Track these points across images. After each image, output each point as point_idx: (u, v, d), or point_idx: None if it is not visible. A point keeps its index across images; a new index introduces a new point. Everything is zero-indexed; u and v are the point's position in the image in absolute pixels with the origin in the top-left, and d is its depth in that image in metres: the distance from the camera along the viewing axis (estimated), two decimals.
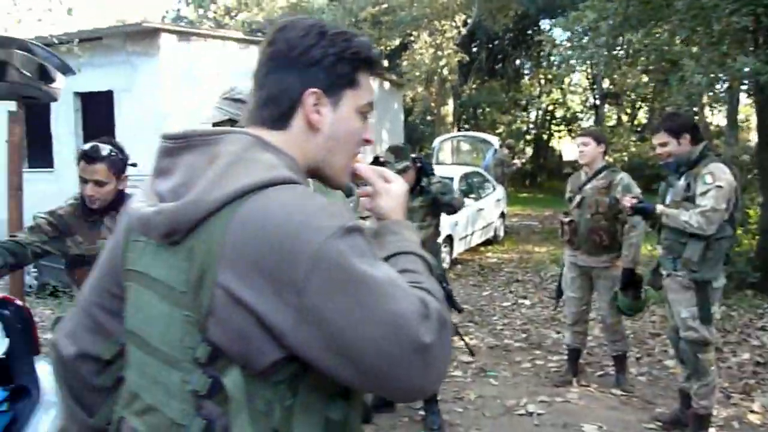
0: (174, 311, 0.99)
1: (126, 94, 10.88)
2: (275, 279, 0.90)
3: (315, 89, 1.05)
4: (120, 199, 2.98)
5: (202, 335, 0.96)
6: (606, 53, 7.36)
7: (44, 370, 2.77)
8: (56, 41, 8.47)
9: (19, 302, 2.89)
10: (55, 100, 2.46)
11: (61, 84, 2.44)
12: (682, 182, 3.58)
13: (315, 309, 0.89)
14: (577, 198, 4.47)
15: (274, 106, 1.07)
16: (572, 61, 8.58)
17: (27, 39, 2.04)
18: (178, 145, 1.05)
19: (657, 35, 6.99)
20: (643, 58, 7.67)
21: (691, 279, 3.52)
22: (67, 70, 2.34)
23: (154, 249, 1.03)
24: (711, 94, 6.63)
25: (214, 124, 1.89)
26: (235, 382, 0.94)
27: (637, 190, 4.28)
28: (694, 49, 6.67)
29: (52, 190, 11.35)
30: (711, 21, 5.72)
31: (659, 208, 3.64)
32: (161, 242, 1.00)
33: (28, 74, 2.06)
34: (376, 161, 4.34)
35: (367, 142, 1.17)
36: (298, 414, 0.98)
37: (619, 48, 8.18)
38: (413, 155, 4.17)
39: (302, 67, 1.05)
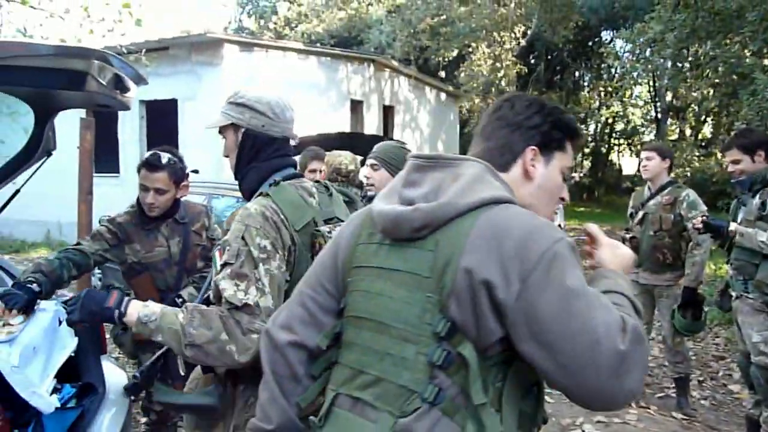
0: (414, 294, 1.20)
1: (189, 102, 11.20)
2: (509, 265, 1.12)
3: (534, 146, 1.32)
4: (176, 207, 3.04)
5: (442, 313, 1.17)
6: (671, 66, 7.15)
7: (109, 369, 2.87)
8: (125, 51, 8.81)
9: None
10: (128, 108, 2.55)
11: (133, 93, 2.53)
12: (756, 201, 3.44)
13: (532, 296, 1.10)
14: (640, 214, 4.35)
15: (500, 155, 1.32)
16: (635, 74, 8.36)
17: (103, 50, 2.12)
18: (427, 164, 1.32)
19: (727, 47, 6.75)
20: (710, 71, 7.44)
21: (763, 302, 3.38)
22: (140, 80, 2.42)
23: (390, 247, 1.27)
24: None
25: (220, 129, 1.89)
26: (471, 354, 1.14)
27: (703, 207, 4.14)
28: (767, 62, 6.41)
29: (117, 194, 11.77)
30: None
31: (733, 226, 3.49)
32: (405, 238, 1.24)
33: (105, 84, 2.13)
34: None
35: (562, 199, 1.40)
36: (504, 397, 1.16)
37: (685, 60, 7.93)
38: None
39: (525, 128, 1.33)
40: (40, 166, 2.90)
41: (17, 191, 2.90)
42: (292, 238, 1.72)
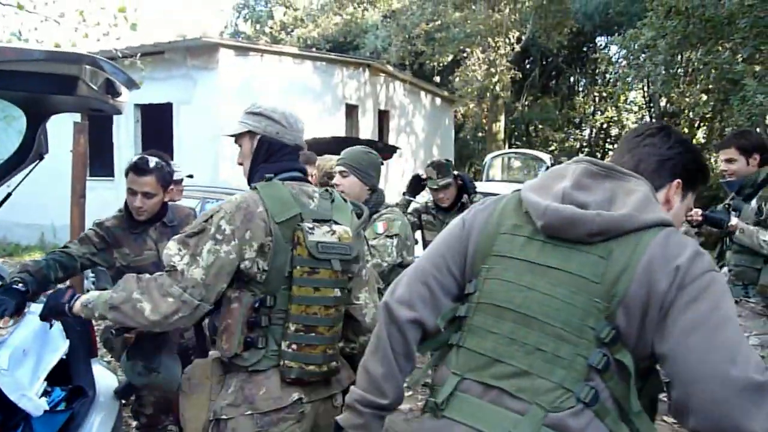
0: (578, 296, 1.25)
1: (185, 106, 11.21)
2: (677, 279, 1.20)
3: (680, 181, 1.42)
4: (164, 210, 3.04)
5: (608, 320, 1.22)
6: (664, 72, 7.20)
7: (100, 372, 2.87)
8: (120, 55, 8.82)
9: None
10: (120, 112, 2.57)
11: (126, 97, 2.54)
12: (753, 205, 3.39)
13: (688, 298, 1.19)
14: None
15: (650, 178, 1.39)
16: (629, 79, 8.41)
17: (95, 54, 2.14)
18: (601, 172, 1.37)
19: (718, 53, 6.81)
20: (702, 77, 7.49)
21: (765, 305, 3.36)
22: (131, 85, 2.44)
23: (545, 244, 1.31)
24: None
25: (237, 137, 2.03)
26: (630, 363, 1.20)
27: (697, 210, 4.15)
28: (757, 69, 6.47)
29: (112, 197, 11.76)
30: None
31: (734, 220, 3.37)
32: (571, 240, 1.28)
33: (96, 89, 2.15)
34: (417, 179, 4.34)
35: None
36: (640, 412, 1.23)
37: (677, 66, 8.00)
38: (455, 172, 4.16)
39: (676, 163, 1.42)
40: (32, 170, 2.91)
41: (9, 194, 2.91)
42: (270, 230, 1.81)
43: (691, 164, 1.45)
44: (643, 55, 7.29)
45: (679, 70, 8.39)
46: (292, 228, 1.83)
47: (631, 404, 1.21)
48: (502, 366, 1.29)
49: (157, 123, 11.52)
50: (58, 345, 2.61)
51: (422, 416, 1.43)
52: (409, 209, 4.37)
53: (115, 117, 11.86)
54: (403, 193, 4.56)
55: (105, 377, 2.84)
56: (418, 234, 4.41)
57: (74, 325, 2.82)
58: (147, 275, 1.82)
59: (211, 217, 1.80)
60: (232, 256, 1.76)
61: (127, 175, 2.93)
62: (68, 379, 2.66)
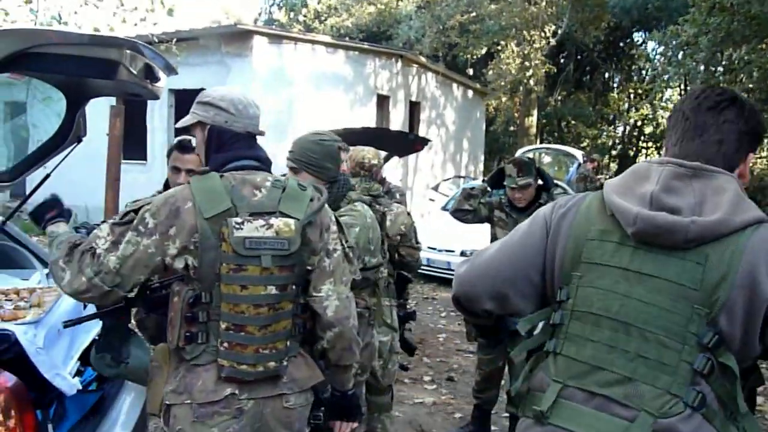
0: (678, 304, 1.26)
1: None
2: None
3: (752, 152, 1.40)
4: None
5: (711, 326, 1.24)
6: (704, 70, 7.03)
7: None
8: (156, 40, 8.91)
9: None
10: (157, 97, 2.59)
11: (164, 83, 2.56)
12: None
13: None
14: None
15: (730, 158, 1.37)
16: (666, 77, 8.23)
17: (135, 39, 2.15)
18: (687, 173, 1.33)
19: (762, 52, 6.62)
20: (744, 77, 7.30)
21: None
22: (170, 71, 2.45)
23: (636, 250, 1.31)
24: None
25: (190, 128, 1.98)
26: (734, 365, 1.22)
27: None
28: None
29: (144, 181, 11.92)
30: None
31: None
32: (666, 246, 1.28)
33: (135, 73, 2.16)
34: (500, 172, 4.13)
35: None
36: (747, 413, 1.25)
37: (718, 65, 7.80)
38: (537, 168, 3.99)
39: (753, 135, 1.39)
40: (70, 152, 2.96)
41: (47, 176, 2.96)
42: (197, 226, 1.75)
43: (762, 132, 1.43)
44: (683, 53, 7.12)
45: (720, 69, 8.20)
46: (221, 223, 1.76)
47: (739, 405, 1.23)
48: (604, 373, 1.31)
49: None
50: (91, 325, 2.64)
51: (522, 422, 1.44)
52: (483, 200, 4.19)
53: (149, 101, 12.02)
54: (483, 180, 4.42)
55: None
56: (485, 227, 4.27)
57: (108, 306, 2.86)
58: (87, 240, 1.83)
59: (140, 208, 1.81)
60: (151, 250, 1.76)
61: (169, 154, 2.95)
62: None
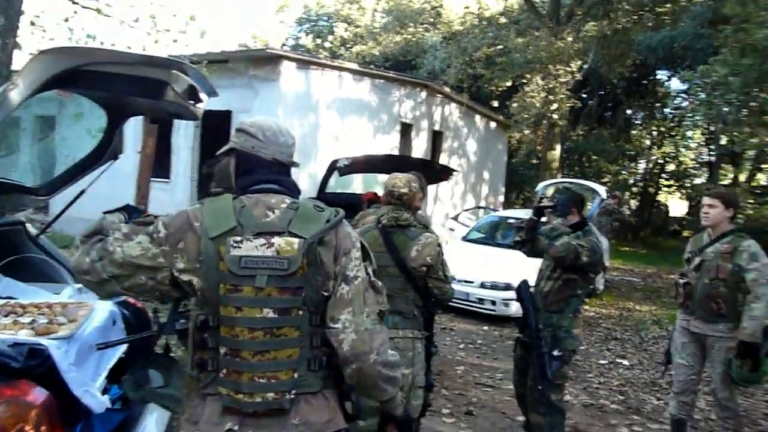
0: None
1: (244, 115, 11.38)
2: None
3: None
4: None
5: None
6: (735, 111, 6.98)
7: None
8: (188, 61, 9.02)
9: (138, 304, 3.05)
10: (197, 119, 2.60)
11: (204, 105, 2.58)
12: None
13: None
14: (697, 260, 4.21)
15: None
16: (697, 117, 8.18)
17: (182, 59, 2.17)
18: None
19: None
20: None
21: None
22: (212, 93, 2.47)
23: None
24: None
25: (221, 154, 1.98)
26: None
27: (765, 260, 3.99)
28: None
29: (167, 198, 12.02)
30: None
31: None
32: None
33: (180, 94, 2.18)
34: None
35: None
36: None
37: (748, 106, 7.73)
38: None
39: None
40: (106, 168, 2.98)
41: (83, 191, 2.98)
42: (200, 246, 1.72)
43: None
44: (714, 93, 7.07)
45: (749, 110, 8.12)
46: (222, 243, 1.71)
47: None
48: None
49: (215, 129, 11.74)
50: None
51: None
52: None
53: (176, 121, 12.17)
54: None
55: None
56: (508, 259, 4.27)
57: (134, 323, 2.86)
58: (122, 226, 1.86)
59: (159, 216, 1.83)
60: (160, 260, 1.74)
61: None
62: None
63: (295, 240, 1.72)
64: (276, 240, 1.71)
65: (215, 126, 11.81)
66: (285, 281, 1.69)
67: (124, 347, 2.70)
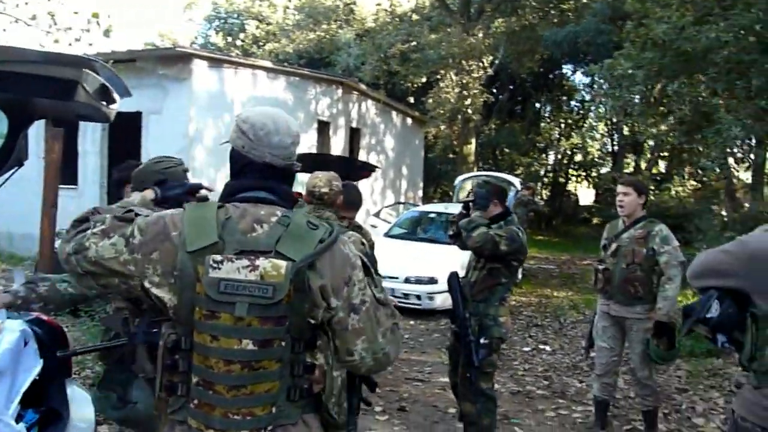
0: None
1: (155, 116, 10.97)
2: None
3: None
4: None
5: None
6: (640, 102, 7.33)
7: (74, 393, 2.72)
8: (99, 60, 8.57)
9: (53, 322, 2.85)
10: (109, 120, 2.46)
11: (117, 105, 2.43)
12: None
13: None
14: (613, 246, 4.39)
15: None
16: (601, 109, 8.53)
17: (93, 57, 2.03)
18: None
19: (693, 87, 6.96)
20: (676, 109, 7.64)
21: None
22: (125, 93, 2.33)
23: None
24: (746, 147, 6.58)
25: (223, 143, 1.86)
26: None
27: (675, 243, 4.21)
28: (730, 103, 6.63)
29: (75, 206, 11.40)
30: (750, 76, 5.69)
31: None
32: None
33: (92, 94, 2.04)
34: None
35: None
36: None
37: (651, 97, 8.15)
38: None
39: None
40: (10, 176, 2.76)
41: None
42: (177, 260, 1.55)
43: None
44: (620, 85, 7.38)
45: (652, 100, 8.57)
46: (200, 260, 1.53)
47: None
48: None
49: (125, 132, 11.23)
50: (33, 364, 2.45)
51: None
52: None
53: (81, 125, 11.54)
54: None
55: (79, 398, 2.69)
56: (430, 254, 4.30)
57: (48, 343, 2.67)
58: (107, 219, 1.67)
59: (137, 217, 1.65)
60: (131, 267, 1.57)
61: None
62: (41, 401, 2.50)
63: (283, 263, 1.52)
64: (261, 263, 1.52)
65: (124, 128, 11.29)
66: (268, 310, 1.51)
67: (37, 369, 2.51)
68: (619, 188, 4.42)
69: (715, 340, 2.23)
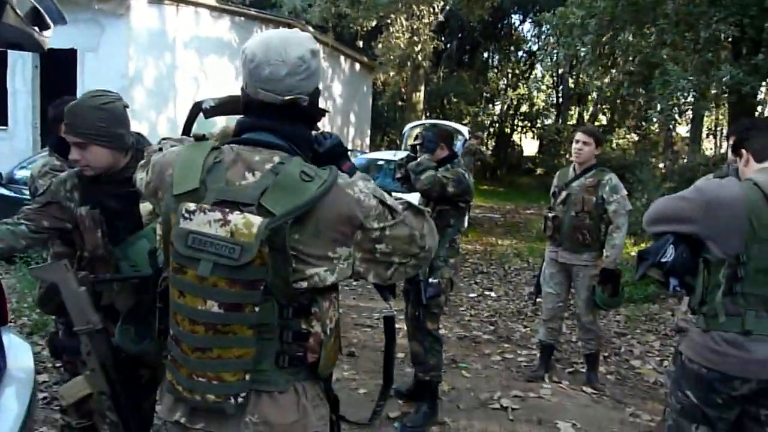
0: None
1: (91, 54, 10.41)
2: None
3: None
4: None
5: None
6: (591, 52, 7.35)
7: (12, 341, 2.58)
8: None
9: None
10: (43, 50, 2.25)
11: (51, 33, 2.23)
12: None
13: None
14: (563, 194, 4.43)
15: None
16: (557, 58, 8.54)
17: None
18: None
19: (643, 37, 7.01)
20: (625, 60, 7.71)
21: None
22: (60, 19, 2.13)
23: None
24: (692, 100, 6.71)
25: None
26: None
27: (624, 192, 4.27)
28: (678, 54, 6.72)
29: (5, 148, 10.82)
30: (698, 28, 5.75)
31: None
32: None
33: (23, 18, 1.85)
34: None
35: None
36: None
37: (601, 47, 8.18)
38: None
39: None
40: None
41: None
42: (166, 201, 1.46)
43: None
44: (571, 36, 7.35)
45: (601, 51, 8.61)
46: (177, 207, 1.39)
47: None
48: None
49: (59, 70, 10.62)
50: None
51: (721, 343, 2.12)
52: None
53: (10, 60, 10.85)
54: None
55: (17, 347, 2.56)
56: None
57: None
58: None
59: (150, 149, 1.68)
60: (148, 207, 1.62)
61: None
62: None
63: (257, 221, 1.32)
64: (233, 217, 1.32)
65: (58, 66, 10.67)
66: (235, 272, 1.32)
67: None
68: (579, 136, 4.41)
69: (668, 283, 2.27)
